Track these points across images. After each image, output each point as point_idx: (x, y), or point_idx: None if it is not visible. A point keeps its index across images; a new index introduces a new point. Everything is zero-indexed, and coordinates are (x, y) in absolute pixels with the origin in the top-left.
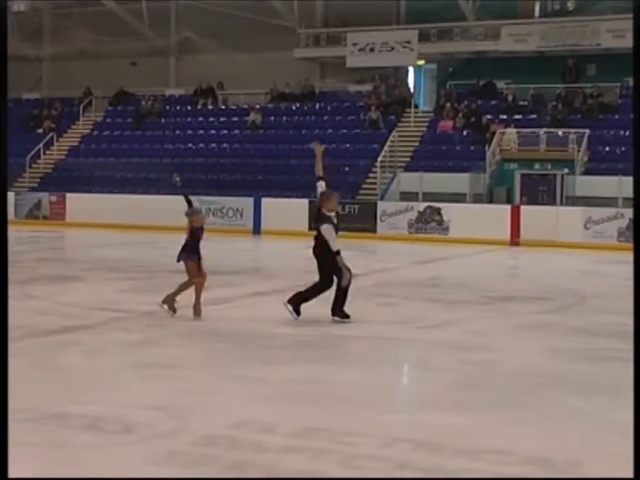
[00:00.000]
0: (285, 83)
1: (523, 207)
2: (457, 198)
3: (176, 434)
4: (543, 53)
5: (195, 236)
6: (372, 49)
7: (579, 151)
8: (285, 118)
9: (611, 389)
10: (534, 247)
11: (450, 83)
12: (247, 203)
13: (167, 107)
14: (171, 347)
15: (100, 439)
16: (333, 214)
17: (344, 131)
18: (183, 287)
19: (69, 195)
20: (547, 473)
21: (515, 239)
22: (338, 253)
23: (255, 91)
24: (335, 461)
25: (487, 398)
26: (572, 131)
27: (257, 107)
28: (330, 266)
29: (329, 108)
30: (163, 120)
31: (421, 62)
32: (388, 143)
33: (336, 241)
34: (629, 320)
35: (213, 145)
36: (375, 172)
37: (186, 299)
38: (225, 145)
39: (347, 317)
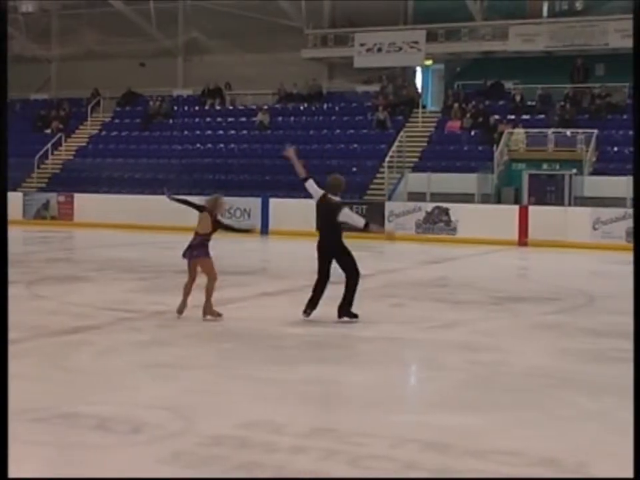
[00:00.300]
0: (292, 84)
1: (531, 207)
2: (465, 198)
3: (184, 434)
4: (551, 53)
5: (215, 227)
6: (379, 49)
7: (587, 151)
8: (292, 118)
9: (619, 389)
10: (542, 247)
11: (458, 83)
12: (254, 203)
13: (175, 108)
14: (180, 347)
15: (109, 438)
16: (337, 197)
17: (352, 131)
18: (210, 289)
19: (77, 196)
20: (556, 473)
21: (522, 240)
22: (367, 224)
23: (262, 91)
24: (344, 461)
25: (495, 398)
26: (580, 131)
27: (265, 107)
28: (347, 261)
29: (336, 108)
30: (171, 120)
31: (429, 62)
32: (396, 143)
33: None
34: None
35: (221, 145)
36: (383, 172)
37: (196, 299)
38: (232, 145)
39: (355, 316)
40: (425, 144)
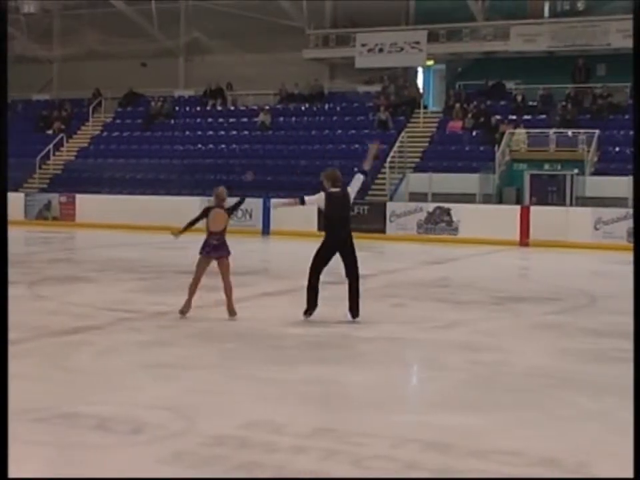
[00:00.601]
0: (294, 84)
1: (532, 208)
2: (467, 198)
3: (185, 434)
4: (553, 53)
5: (229, 216)
6: (381, 50)
7: (588, 151)
8: (294, 119)
9: (620, 389)
10: (543, 247)
11: (459, 84)
12: (256, 203)
13: (177, 108)
14: (181, 347)
15: (109, 439)
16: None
17: (353, 131)
18: (229, 289)
19: (78, 196)
20: (557, 473)
21: (524, 240)
22: (363, 171)
23: (264, 91)
24: (345, 461)
25: (497, 398)
26: (581, 131)
27: (266, 107)
28: (354, 259)
29: (338, 108)
30: (173, 121)
31: (430, 62)
32: (397, 144)
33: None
34: None
35: (222, 145)
36: (384, 172)
37: (200, 299)
38: (234, 145)
39: (357, 316)
40: (427, 144)
